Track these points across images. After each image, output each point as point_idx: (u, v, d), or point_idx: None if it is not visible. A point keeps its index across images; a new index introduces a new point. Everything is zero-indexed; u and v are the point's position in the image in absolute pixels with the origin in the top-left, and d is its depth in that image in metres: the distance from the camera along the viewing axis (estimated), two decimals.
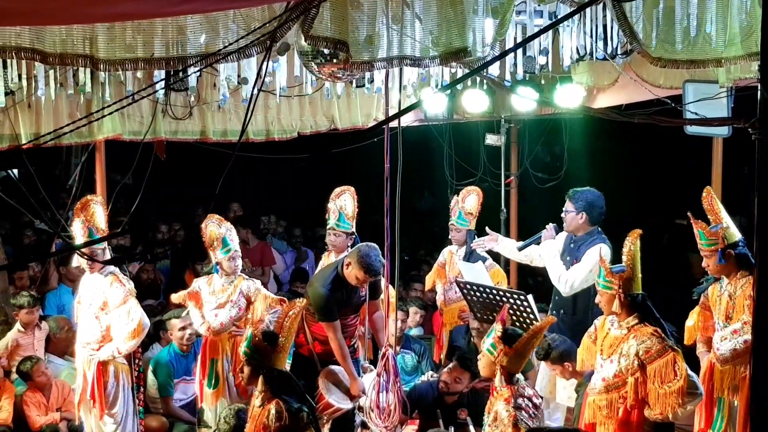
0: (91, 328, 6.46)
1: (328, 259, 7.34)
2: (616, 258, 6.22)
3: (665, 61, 4.80)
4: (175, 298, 7.21)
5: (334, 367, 6.42)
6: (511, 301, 6.35)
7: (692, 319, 6.14)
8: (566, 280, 6.56)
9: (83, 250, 6.25)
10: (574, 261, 6.64)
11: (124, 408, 6.56)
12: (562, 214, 6.76)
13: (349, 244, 7.07)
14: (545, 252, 6.82)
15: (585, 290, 6.48)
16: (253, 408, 5.20)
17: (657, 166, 14.19)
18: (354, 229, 7.14)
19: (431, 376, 7.27)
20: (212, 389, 6.95)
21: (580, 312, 6.56)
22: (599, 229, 6.72)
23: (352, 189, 7.16)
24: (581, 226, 6.68)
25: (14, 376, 7.51)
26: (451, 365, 6.89)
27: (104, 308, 6.42)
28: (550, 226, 6.93)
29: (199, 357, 7.10)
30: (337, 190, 7.16)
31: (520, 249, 7.21)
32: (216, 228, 6.82)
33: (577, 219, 6.67)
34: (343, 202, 7.09)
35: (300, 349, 6.57)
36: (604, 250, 6.40)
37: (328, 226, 7.23)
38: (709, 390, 5.78)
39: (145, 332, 6.53)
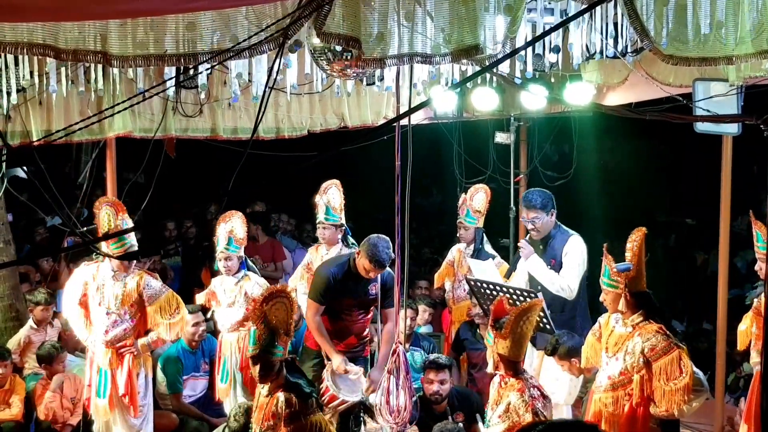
0: (117, 325, 6.42)
1: (316, 252, 7.45)
2: (590, 247, 6.53)
3: (677, 58, 4.78)
4: (200, 297, 7.32)
5: None
6: (521, 298, 6.34)
7: (745, 324, 6.03)
8: (567, 287, 6.63)
9: (110, 248, 6.27)
10: (551, 260, 6.72)
11: (148, 399, 6.65)
12: (530, 225, 6.83)
13: (339, 236, 7.22)
14: (534, 268, 6.82)
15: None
16: (259, 397, 5.25)
17: (666, 164, 14.17)
18: (343, 221, 7.22)
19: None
20: (224, 384, 7.07)
21: (568, 309, 6.68)
22: (557, 221, 6.85)
23: (338, 182, 7.27)
24: (552, 223, 6.80)
25: (26, 372, 7.56)
26: (426, 376, 6.71)
27: (133, 305, 6.42)
28: (524, 243, 6.94)
29: (217, 354, 7.22)
30: (324, 185, 7.27)
31: (507, 276, 7.30)
32: (220, 226, 6.90)
33: (548, 219, 6.78)
34: (330, 196, 7.16)
35: (307, 342, 6.61)
36: (579, 241, 6.63)
37: (317, 221, 7.33)
38: (758, 403, 5.67)
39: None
